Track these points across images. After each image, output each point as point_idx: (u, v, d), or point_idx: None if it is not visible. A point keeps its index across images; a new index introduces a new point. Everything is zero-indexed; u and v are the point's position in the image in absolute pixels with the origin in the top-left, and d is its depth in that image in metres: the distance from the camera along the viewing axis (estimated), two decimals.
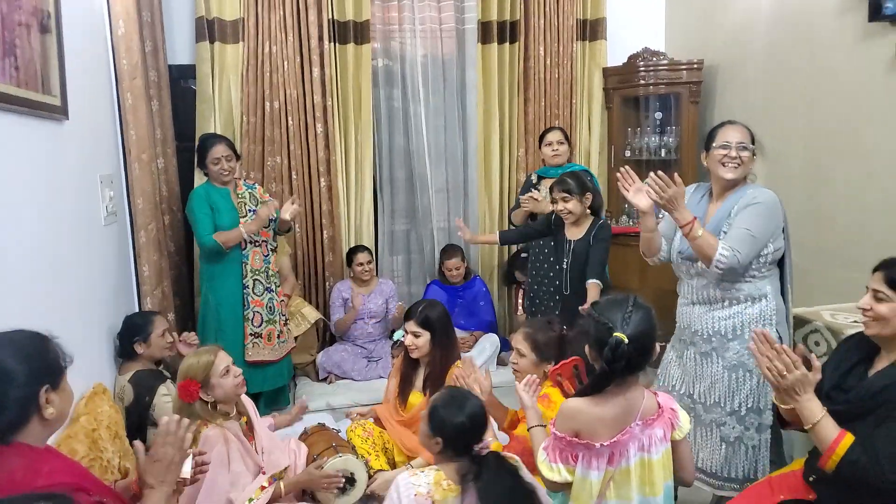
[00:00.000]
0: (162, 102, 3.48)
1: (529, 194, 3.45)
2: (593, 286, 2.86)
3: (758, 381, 2.16)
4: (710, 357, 2.23)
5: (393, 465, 2.56)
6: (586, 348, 1.64)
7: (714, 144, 2.19)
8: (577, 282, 2.97)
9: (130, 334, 2.63)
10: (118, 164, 2.91)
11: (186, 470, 1.57)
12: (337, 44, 3.82)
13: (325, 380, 3.70)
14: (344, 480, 2.24)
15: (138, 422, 2.52)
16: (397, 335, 2.71)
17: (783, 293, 2.23)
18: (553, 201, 3.02)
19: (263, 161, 3.78)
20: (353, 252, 3.86)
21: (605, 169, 4.21)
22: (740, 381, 2.18)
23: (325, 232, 3.92)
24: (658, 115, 4.08)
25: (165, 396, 2.54)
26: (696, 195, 2.31)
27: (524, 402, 1.86)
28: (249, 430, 2.21)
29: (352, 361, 3.72)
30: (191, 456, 1.63)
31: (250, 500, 2.00)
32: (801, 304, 2.53)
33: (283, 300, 3.38)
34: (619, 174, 2.28)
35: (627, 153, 4.12)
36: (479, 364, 3.67)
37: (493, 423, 2.07)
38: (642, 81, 3.97)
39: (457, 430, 1.70)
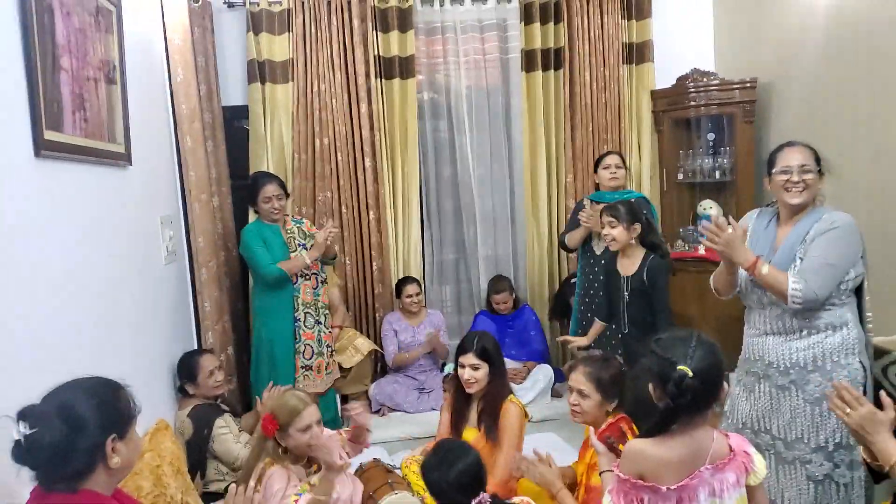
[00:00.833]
0: (216, 143, 3.60)
1: (586, 210, 3.37)
2: (598, 326, 2.97)
3: None
4: (789, 390, 2.10)
5: None
6: (649, 387, 1.59)
7: (775, 170, 2.10)
8: (636, 320, 2.83)
9: (181, 375, 2.70)
10: (177, 204, 3.01)
11: None
12: (383, 79, 3.89)
13: (377, 412, 3.70)
14: None
15: (199, 456, 2.58)
16: (447, 369, 2.65)
17: (862, 321, 2.11)
18: (601, 225, 2.95)
19: (314, 196, 3.85)
20: (401, 284, 3.87)
21: (657, 193, 4.12)
22: (824, 415, 2.04)
23: (374, 263, 3.95)
24: (711, 136, 3.98)
25: (223, 429, 2.59)
26: (762, 220, 2.21)
27: (596, 448, 1.81)
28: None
29: (404, 393, 3.71)
30: None
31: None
32: (877, 332, 2.40)
33: (330, 331, 3.40)
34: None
35: (680, 176, 4.02)
36: (534, 396, 3.64)
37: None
38: (693, 103, 3.89)
39: (451, 488, 1.74)
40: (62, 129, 1.78)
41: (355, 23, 3.77)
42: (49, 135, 1.71)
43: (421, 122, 4.01)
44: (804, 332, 2.06)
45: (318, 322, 3.28)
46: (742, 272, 2.16)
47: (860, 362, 2.04)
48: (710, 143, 3.97)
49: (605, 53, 4.04)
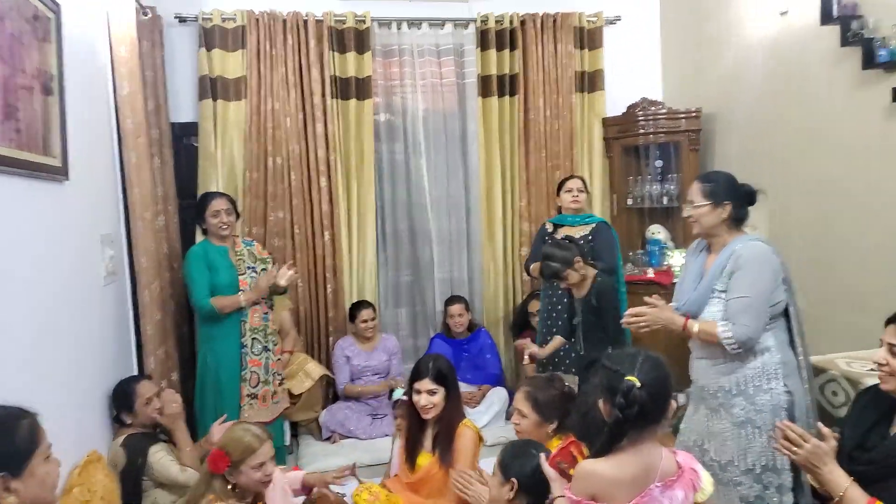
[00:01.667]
0: (164, 160, 3.49)
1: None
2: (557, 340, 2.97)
3: (767, 439, 2.06)
4: (719, 413, 2.15)
5: None
6: (599, 403, 1.58)
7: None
8: (591, 341, 2.87)
9: (116, 404, 2.55)
10: (119, 222, 2.89)
11: None
12: (339, 100, 3.87)
13: (328, 439, 3.59)
14: None
15: (133, 487, 2.43)
16: (396, 394, 2.56)
17: (792, 344, 2.15)
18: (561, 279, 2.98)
19: (266, 216, 3.77)
20: (356, 308, 3.80)
21: (608, 217, 4.19)
22: (750, 437, 2.09)
23: (328, 286, 3.87)
24: (659, 163, 4.09)
25: (160, 453, 2.45)
26: (696, 249, 2.30)
27: (548, 474, 1.78)
28: None
29: (356, 419, 3.61)
30: None
31: None
32: (813, 352, 2.47)
33: (279, 359, 3.28)
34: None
35: (630, 201, 4.11)
36: (489, 420, 3.61)
37: None
38: (642, 131, 4.00)
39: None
40: None
41: (311, 42, 3.75)
42: None
43: (377, 144, 3.99)
44: (727, 358, 2.10)
45: (265, 349, 3.16)
46: (675, 300, 2.26)
47: (785, 386, 2.08)
48: (659, 170, 4.08)
49: (558, 81, 4.12)
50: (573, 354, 3.04)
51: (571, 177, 3.61)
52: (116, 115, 2.85)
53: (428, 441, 2.49)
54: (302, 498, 2.51)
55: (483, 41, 4.01)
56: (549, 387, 2.16)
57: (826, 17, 2.91)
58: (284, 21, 3.73)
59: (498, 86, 4.05)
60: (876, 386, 1.75)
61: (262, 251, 3.32)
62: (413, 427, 2.51)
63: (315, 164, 3.79)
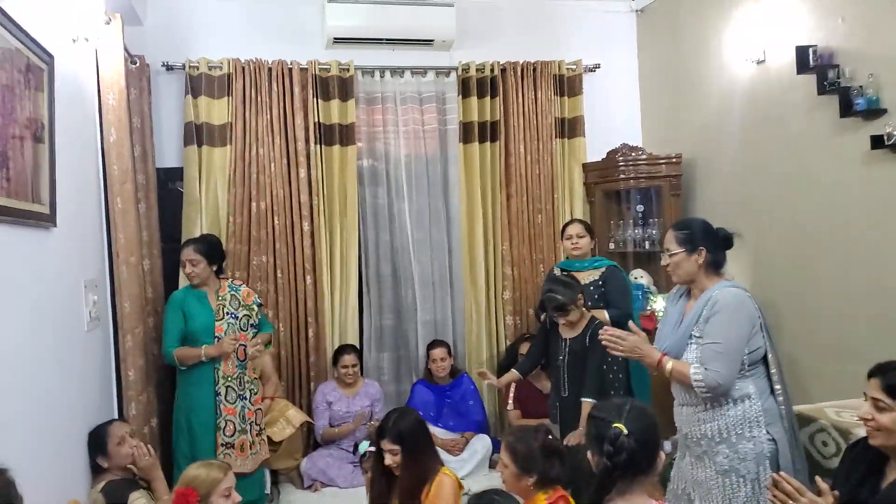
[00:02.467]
0: (149, 205, 3.50)
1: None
2: (587, 405, 2.74)
3: (752, 488, 2.05)
4: (703, 461, 2.14)
5: None
6: (588, 454, 1.58)
7: None
8: (576, 383, 2.89)
9: (91, 450, 2.50)
10: (103, 267, 2.87)
11: None
12: (323, 146, 3.92)
13: (310, 487, 3.52)
14: None
15: None
16: (362, 447, 2.54)
17: (773, 392, 2.13)
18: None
19: (249, 260, 3.76)
20: (339, 352, 3.78)
21: None
22: (734, 486, 2.07)
23: (309, 330, 3.85)
24: (640, 207, 4.16)
25: (140, 500, 2.39)
26: (677, 295, 2.33)
27: None
28: None
29: (337, 467, 3.55)
30: None
31: None
32: (800, 400, 2.47)
33: (258, 409, 3.23)
34: None
35: (612, 246, 4.16)
36: (472, 468, 3.56)
37: None
38: (622, 176, 4.08)
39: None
40: None
41: (296, 90, 3.82)
42: None
43: (360, 188, 4.03)
44: (708, 405, 2.10)
45: (241, 397, 3.11)
46: (656, 341, 2.27)
47: (768, 434, 2.06)
48: (640, 214, 4.16)
49: (538, 127, 4.22)
50: (559, 398, 3.03)
51: (572, 221, 3.55)
52: (103, 161, 2.86)
53: (396, 494, 2.46)
54: None
55: (464, 89, 4.12)
56: (532, 438, 2.13)
57: (802, 67, 2.97)
58: (270, 69, 3.80)
59: (479, 132, 4.13)
60: (865, 439, 1.73)
61: (249, 297, 3.25)
62: (380, 481, 2.50)
63: (298, 208, 3.82)
